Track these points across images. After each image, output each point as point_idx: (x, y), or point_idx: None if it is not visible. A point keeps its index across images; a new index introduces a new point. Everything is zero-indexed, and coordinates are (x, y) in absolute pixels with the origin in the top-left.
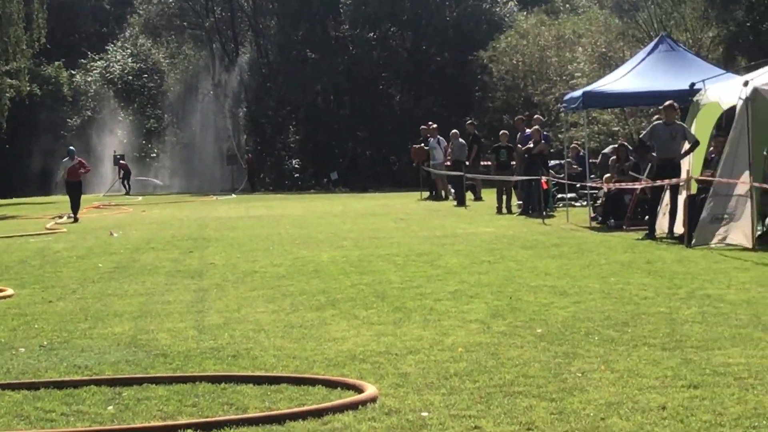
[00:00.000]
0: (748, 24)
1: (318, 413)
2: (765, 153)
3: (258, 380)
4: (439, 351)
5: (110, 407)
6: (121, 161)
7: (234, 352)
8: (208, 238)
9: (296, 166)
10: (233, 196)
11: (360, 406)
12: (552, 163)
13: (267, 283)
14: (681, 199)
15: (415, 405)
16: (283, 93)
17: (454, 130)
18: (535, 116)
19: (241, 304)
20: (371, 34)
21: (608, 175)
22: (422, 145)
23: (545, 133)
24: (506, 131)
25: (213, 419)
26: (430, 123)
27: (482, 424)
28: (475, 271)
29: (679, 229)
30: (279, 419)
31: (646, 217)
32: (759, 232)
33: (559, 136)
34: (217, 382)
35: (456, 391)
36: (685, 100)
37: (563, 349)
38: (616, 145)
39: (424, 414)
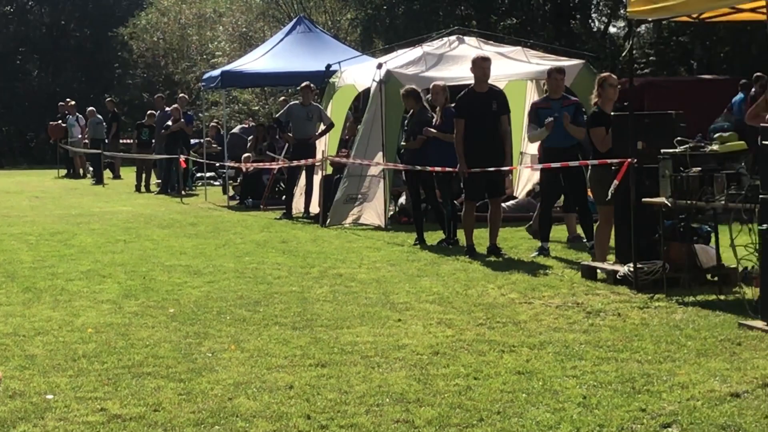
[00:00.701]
0: (385, 7)
1: None
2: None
3: None
4: (69, 332)
5: None
6: None
7: None
8: None
9: None
10: None
11: None
12: (193, 141)
13: None
14: (316, 179)
15: (41, 387)
16: None
17: (91, 108)
18: (180, 95)
19: None
20: (7, 8)
21: (247, 154)
22: (60, 122)
23: (189, 113)
24: (153, 111)
25: None
26: (68, 100)
27: (108, 406)
28: (110, 250)
29: (314, 208)
30: None
31: (284, 196)
32: (391, 212)
33: (200, 115)
34: None
35: (83, 372)
36: (322, 81)
37: (194, 329)
38: (246, 125)
39: (49, 396)
